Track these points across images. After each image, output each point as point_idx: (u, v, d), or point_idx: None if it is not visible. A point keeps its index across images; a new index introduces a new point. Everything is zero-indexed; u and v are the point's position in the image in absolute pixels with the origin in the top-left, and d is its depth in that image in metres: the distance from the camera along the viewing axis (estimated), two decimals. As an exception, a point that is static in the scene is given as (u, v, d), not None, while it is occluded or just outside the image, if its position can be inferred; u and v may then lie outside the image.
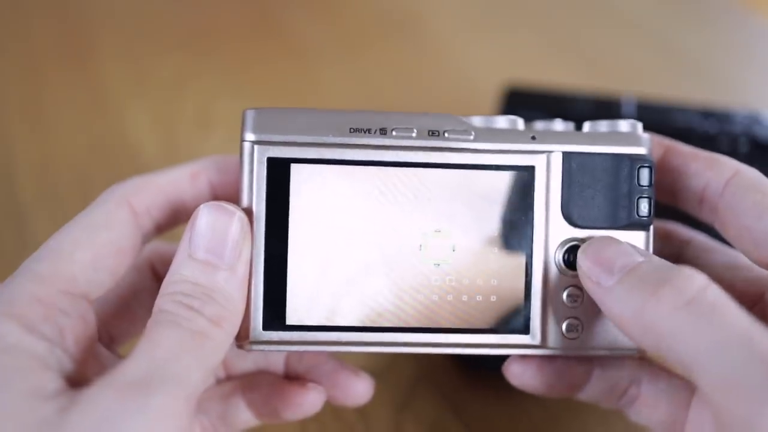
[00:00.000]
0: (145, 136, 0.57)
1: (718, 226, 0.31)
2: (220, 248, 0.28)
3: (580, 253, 0.29)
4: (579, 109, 0.48)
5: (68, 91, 0.61)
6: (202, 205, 0.28)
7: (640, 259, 0.28)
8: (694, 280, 0.26)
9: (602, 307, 0.28)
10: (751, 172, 0.30)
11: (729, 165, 0.30)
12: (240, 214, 0.28)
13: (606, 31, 0.73)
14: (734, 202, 0.29)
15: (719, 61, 0.70)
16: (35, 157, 0.55)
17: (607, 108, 0.48)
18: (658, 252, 0.31)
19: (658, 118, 0.48)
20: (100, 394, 0.24)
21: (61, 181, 0.53)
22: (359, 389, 0.33)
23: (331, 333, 0.30)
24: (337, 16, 0.73)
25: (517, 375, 0.31)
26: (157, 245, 0.34)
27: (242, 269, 0.28)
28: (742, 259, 0.32)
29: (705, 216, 0.31)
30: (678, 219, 0.35)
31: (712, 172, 0.30)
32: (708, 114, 0.48)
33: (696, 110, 0.48)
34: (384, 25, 0.72)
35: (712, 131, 0.46)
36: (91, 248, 0.28)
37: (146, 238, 0.31)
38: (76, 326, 0.27)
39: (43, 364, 0.25)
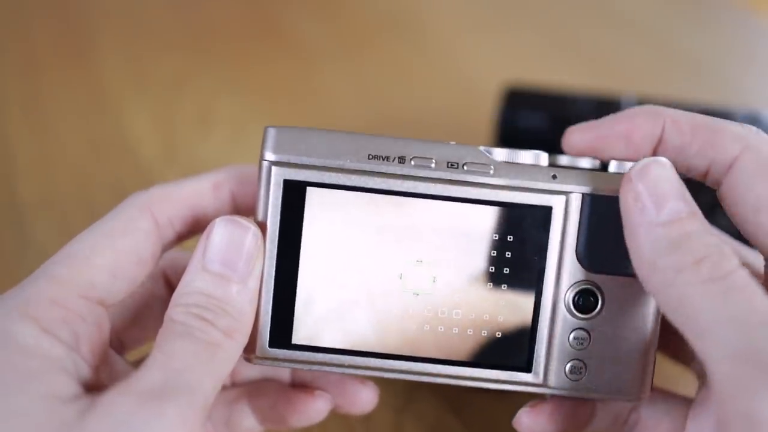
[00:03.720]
0: (145, 136, 0.57)
1: (719, 199, 0.30)
2: (234, 261, 0.28)
3: (636, 168, 0.28)
4: (579, 109, 0.48)
5: (68, 90, 0.61)
6: (217, 219, 0.28)
7: (685, 209, 0.27)
8: (731, 260, 0.25)
9: (631, 234, 0.27)
10: (758, 153, 0.28)
11: (734, 141, 0.29)
12: (255, 229, 0.29)
13: (606, 31, 0.73)
14: (736, 192, 0.29)
15: (719, 61, 0.70)
16: (35, 156, 0.55)
17: (607, 108, 0.48)
18: None
19: (658, 118, 0.47)
20: (118, 401, 0.24)
21: (60, 181, 0.53)
22: (364, 397, 0.34)
23: (335, 355, 0.30)
24: (336, 16, 0.74)
25: (529, 427, 0.31)
26: (171, 254, 0.33)
27: (254, 283, 0.28)
28: (753, 258, 0.31)
29: (709, 184, 0.30)
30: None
31: (716, 152, 0.29)
32: (708, 114, 0.48)
33: (696, 110, 0.48)
34: (384, 25, 0.72)
35: (712, 131, 0.46)
36: (111, 255, 0.28)
37: (166, 248, 0.31)
38: (92, 332, 0.27)
39: (60, 368, 0.25)
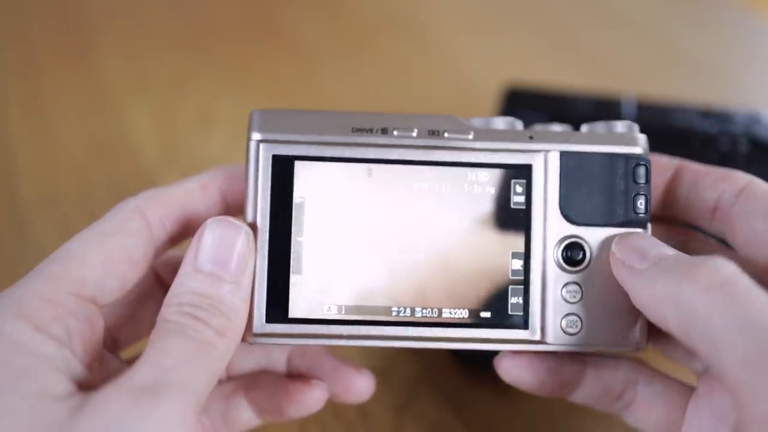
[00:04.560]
0: (146, 136, 0.57)
1: (728, 236, 0.31)
2: (226, 262, 0.28)
3: (614, 244, 0.30)
4: (579, 109, 0.48)
5: (68, 90, 0.61)
6: (209, 220, 0.29)
7: (672, 252, 0.29)
8: (728, 267, 0.26)
9: (632, 290, 0.29)
10: (764, 183, 0.31)
11: (742, 177, 0.31)
12: (246, 229, 0.29)
13: (606, 31, 0.73)
14: (747, 207, 0.30)
15: (719, 61, 0.70)
16: (35, 157, 0.55)
17: (607, 108, 0.48)
18: None
19: (658, 118, 0.48)
20: (111, 398, 0.24)
21: (61, 181, 0.53)
22: (361, 385, 0.34)
23: (331, 326, 0.30)
24: (336, 16, 0.74)
25: (508, 369, 0.32)
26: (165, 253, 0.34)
27: (246, 282, 0.29)
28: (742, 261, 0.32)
29: (716, 227, 0.32)
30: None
31: (726, 184, 0.31)
32: (708, 114, 0.48)
33: (696, 110, 0.48)
34: (384, 25, 0.72)
35: (712, 131, 0.46)
36: (102, 254, 0.28)
37: (159, 250, 0.31)
38: (84, 329, 0.27)
39: (53, 365, 0.25)
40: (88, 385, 0.26)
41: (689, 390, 0.31)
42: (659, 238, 0.31)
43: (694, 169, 0.33)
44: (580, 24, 0.74)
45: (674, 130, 0.46)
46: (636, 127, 0.32)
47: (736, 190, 0.31)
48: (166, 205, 0.31)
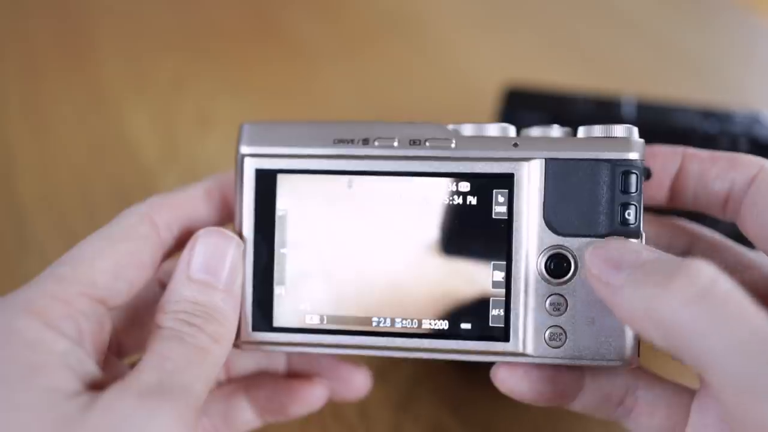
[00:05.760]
0: (145, 136, 0.57)
1: (740, 227, 0.30)
2: (218, 271, 0.29)
3: (587, 255, 0.28)
4: (579, 109, 0.48)
5: (68, 91, 0.61)
6: (201, 230, 0.30)
7: (648, 255, 0.27)
8: (705, 272, 0.25)
9: (613, 308, 0.28)
10: None
11: (753, 162, 0.30)
12: (237, 240, 0.30)
13: (606, 31, 0.73)
14: (758, 197, 0.29)
15: (719, 61, 0.70)
16: (35, 157, 0.55)
17: (607, 108, 0.48)
18: (666, 248, 0.31)
19: (658, 118, 0.48)
20: (118, 398, 0.25)
21: (60, 181, 0.53)
22: (359, 381, 0.34)
23: (314, 335, 0.31)
24: (336, 16, 0.74)
25: (504, 380, 0.31)
26: (167, 263, 0.34)
27: (237, 290, 0.30)
28: (753, 258, 0.31)
29: (729, 217, 0.31)
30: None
31: (736, 172, 0.30)
32: (708, 114, 0.48)
33: (696, 110, 0.48)
34: (384, 25, 0.72)
35: (712, 131, 0.46)
36: (112, 257, 0.29)
37: (167, 255, 0.31)
38: (94, 329, 0.27)
39: (64, 363, 0.26)
40: (95, 385, 0.26)
41: (690, 393, 0.31)
42: (663, 238, 0.30)
43: (700, 157, 0.31)
44: (580, 24, 0.74)
45: (674, 130, 0.46)
46: (635, 131, 0.30)
47: (747, 178, 0.30)
48: (174, 211, 0.31)
